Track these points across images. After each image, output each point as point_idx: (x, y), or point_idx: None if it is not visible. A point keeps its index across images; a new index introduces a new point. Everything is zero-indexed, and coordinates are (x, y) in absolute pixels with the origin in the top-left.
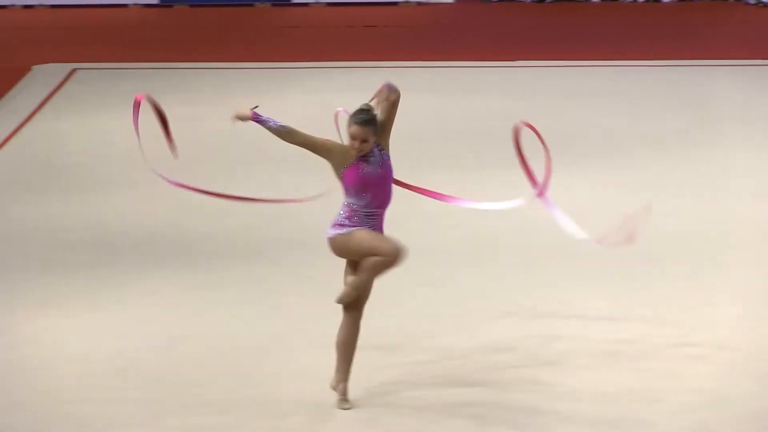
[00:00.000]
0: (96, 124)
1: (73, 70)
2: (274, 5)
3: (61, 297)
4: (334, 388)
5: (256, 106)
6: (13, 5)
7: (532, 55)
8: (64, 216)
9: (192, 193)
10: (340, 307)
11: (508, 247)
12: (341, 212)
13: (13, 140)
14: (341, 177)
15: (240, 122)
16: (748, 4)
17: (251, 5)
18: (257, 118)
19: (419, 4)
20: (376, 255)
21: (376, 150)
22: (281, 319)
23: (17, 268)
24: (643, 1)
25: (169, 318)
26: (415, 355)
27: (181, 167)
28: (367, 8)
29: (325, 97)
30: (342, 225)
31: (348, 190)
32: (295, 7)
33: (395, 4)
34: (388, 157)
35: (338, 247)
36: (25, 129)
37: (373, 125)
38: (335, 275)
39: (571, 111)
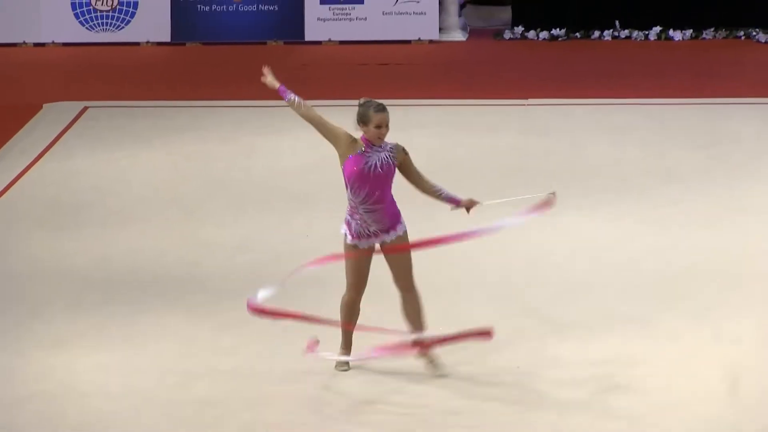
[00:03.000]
0: (108, 162)
1: (85, 108)
2: (286, 43)
3: (74, 335)
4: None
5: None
6: (24, 43)
7: (545, 92)
8: (76, 253)
9: (205, 230)
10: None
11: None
12: (347, 209)
13: (24, 178)
14: (342, 167)
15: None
16: (759, 42)
17: (264, 43)
18: (282, 91)
19: (432, 42)
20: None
21: (386, 152)
22: (295, 356)
23: (29, 305)
24: (655, 39)
25: (183, 356)
26: None
27: (193, 204)
28: (379, 46)
29: None
30: (348, 224)
31: (346, 183)
32: (308, 45)
33: (408, 42)
34: (395, 166)
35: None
36: (36, 167)
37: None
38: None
39: (585, 148)
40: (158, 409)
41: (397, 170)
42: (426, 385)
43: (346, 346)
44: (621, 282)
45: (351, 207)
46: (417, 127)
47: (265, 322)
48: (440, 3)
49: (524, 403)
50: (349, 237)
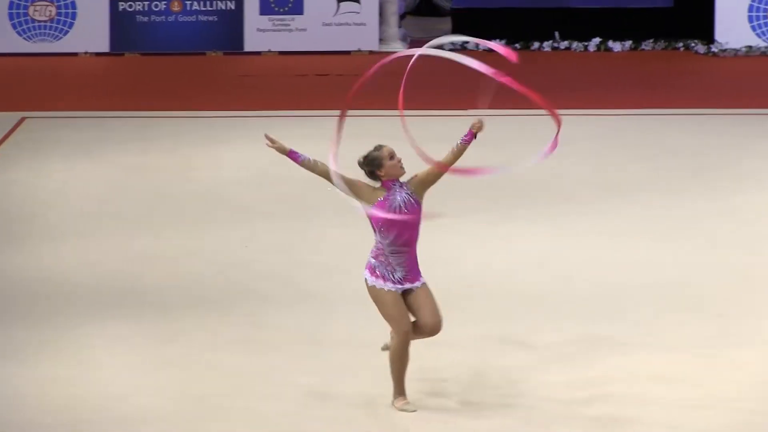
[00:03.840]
0: (46, 174)
1: (23, 119)
2: (225, 54)
3: (16, 348)
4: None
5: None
6: None
7: (486, 103)
8: (16, 267)
9: (146, 242)
10: (286, 355)
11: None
12: (371, 251)
13: None
14: (369, 215)
15: (273, 149)
16: (698, 53)
17: (203, 54)
18: (293, 156)
19: (371, 52)
20: (392, 329)
21: (405, 192)
22: (238, 369)
23: None
24: (595, 50)
25: (127, 367)
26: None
27: (132, 216)
28: (319, 57)
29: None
30: (372, 269)
31: (374, 228)
32: (247, 56)
33: (348, 53)
34: (419, 203)
35: (369, 293)
36: None
37: None
38: (286, 323)
39: (527, 161)
40: (99, 424)
41: (423, 203)
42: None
43: (401, 392)
44: (566, 293)
45: (377, 249)
46: (356, 137)
47: (209, 335)
48: (380, 14)
49: (468, 408)
50: (372, 278)
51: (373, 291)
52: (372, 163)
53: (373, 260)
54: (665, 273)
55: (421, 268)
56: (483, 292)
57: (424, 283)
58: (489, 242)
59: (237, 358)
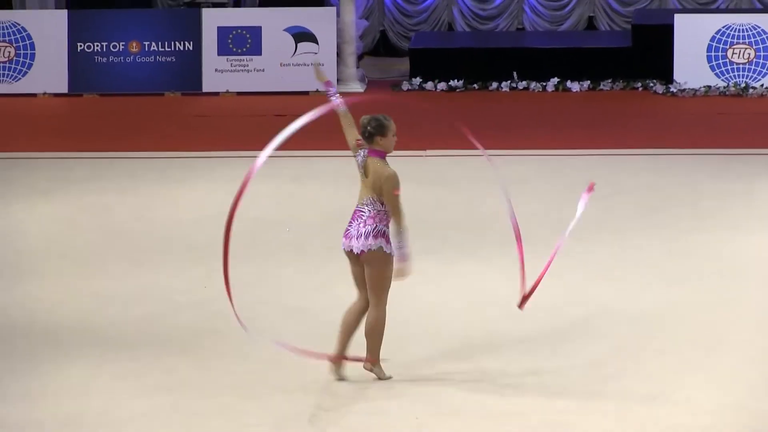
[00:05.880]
0: (4, 214)
1: None
2: (184, 94)
3: None
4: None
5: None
6: None
7: (442, 143)
8: None
9: (104, 281)
10: (241, 395)
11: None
12: (377, 222)
13: None
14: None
15: (320, 72)
16: (656, 93)
17: (161, 94)
18: (329, 87)
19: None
20: (375, 300)
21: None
22: (196, 406)
23: None
24: (553, 90)
25: (81, 408)
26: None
27: (89, 256)
28: (277, 97)
29: (236, 185)
30: (387, 237)
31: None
32: (205, 96)
33: (306, 93)
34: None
35: (374, 260)
36: None
37: None
38: (242, 362)
39: (482, 200)
40: None
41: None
42: None
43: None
44: (517, 333)
45: (385, 218)
46: (313, 178)
47: (162, 372)
48: (338, 54)
49: None
50: (389, 246)
51: (389, 259)
52: (379, 128)
53: (386, 228)
54: (616, 311)
55: None
56: (437, 329)
57: None
58: (444, 281)
59: (193, 398)
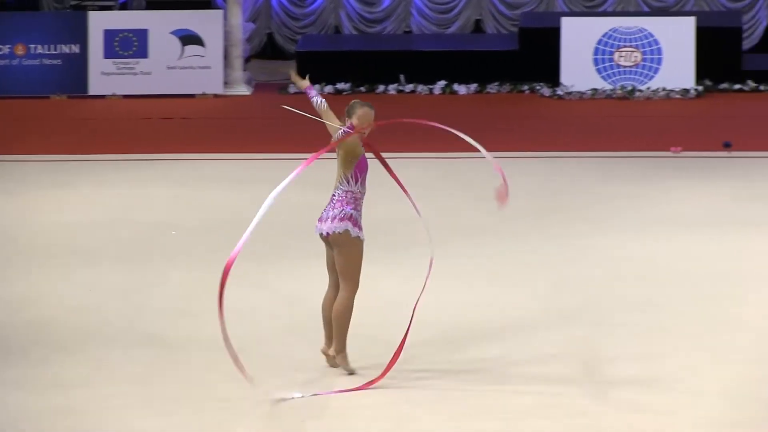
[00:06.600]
0: None
1: None
2: (70, 97)
3: None
4: (334, 357)
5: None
6: None
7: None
8: None
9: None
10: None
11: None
12: (344, 205)
13: None
14: (355, 164)
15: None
16: (543, 96)
17: (47, 97)
18: (309, 91)
19: (216, 96)
20: (346, 282)
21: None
22: (75, 410)
23: None
24: (440, 93)
25: None
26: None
27: None
28: (164, 100)
29: (123, 189)
30: (354, 220)
31: (356, 178)
32: (92, 99)
33: (192, 96)
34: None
35: (340, 243)
36: None
37: None
38: (129, 366)
39: (375, 204)
40: None
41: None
42: None
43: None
44: (419, 336)
45: (354, 200)
46: (202, 181)
47: (49, 380)
48: (225, 57)
49: None
50: (355, 230)
51: (356, 242)
52: (349, 110)
53: (354, 211)
54: (506, 316)
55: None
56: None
57: None
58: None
59: (79, 400)
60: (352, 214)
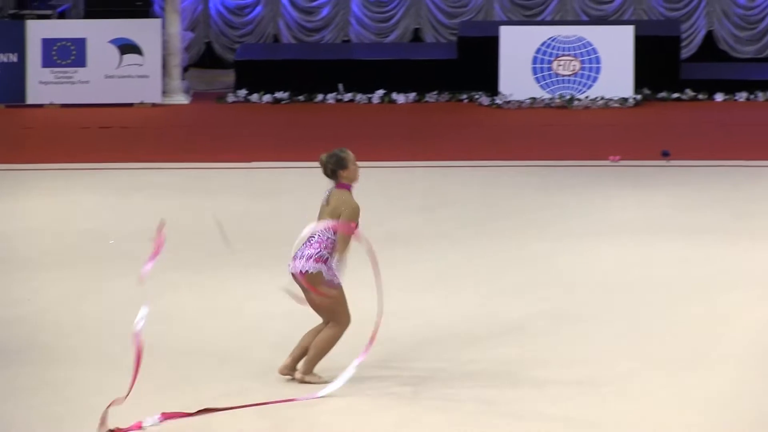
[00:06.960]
0: None
1: None
2: (8, 106)
3: None
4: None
5: None
6: None
7: (269, 155)
8: None
9: None
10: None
11: None
12: (321, 248)
13: None
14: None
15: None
16: (482, 105)
17: None
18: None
19: (155, 105)
20: (335, 320)
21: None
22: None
23: None
24: (379, 102)
25: None
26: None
27: None
28: (102, 109)
29: (60, 197)
30: (325, 261)
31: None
32: (30, 108)
33: (131, 105)
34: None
35: (315, 283)
36: None
37: None
38: (71, 375)
39: (309, 211)
40: None
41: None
42: None
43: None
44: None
45: (329, 245)
46: (139, 190)
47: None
48: (163, 66)
49: None
50: (329, 272)
51: (328, 284)
52: (339, 163)
53: (326, 253)
54: (442, 326)
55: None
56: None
57: None
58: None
59: (21, 410)
60: (327, 258)
